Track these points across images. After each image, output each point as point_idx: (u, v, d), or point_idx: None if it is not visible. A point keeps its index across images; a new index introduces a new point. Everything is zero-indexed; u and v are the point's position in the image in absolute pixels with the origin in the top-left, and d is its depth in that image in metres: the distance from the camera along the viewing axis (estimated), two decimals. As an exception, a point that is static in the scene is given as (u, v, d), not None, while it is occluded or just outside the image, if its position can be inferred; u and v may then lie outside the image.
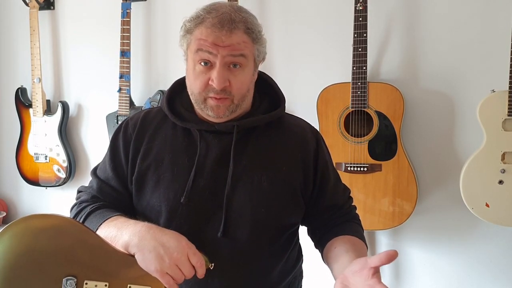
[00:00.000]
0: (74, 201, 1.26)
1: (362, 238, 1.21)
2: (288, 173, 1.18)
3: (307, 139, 1.24)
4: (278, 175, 1.17)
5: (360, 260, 0.94)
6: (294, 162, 1.20)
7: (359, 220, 1.30)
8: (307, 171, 1.21)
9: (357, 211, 1.33)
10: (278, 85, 1.28)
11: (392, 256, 0.87)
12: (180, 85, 1.25)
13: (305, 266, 1.38)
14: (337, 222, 1.25)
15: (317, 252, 1.28)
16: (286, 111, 1.32)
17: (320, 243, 1.23)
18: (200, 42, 1.09)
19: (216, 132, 1.18)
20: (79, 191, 1.29)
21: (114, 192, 1.22)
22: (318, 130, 2.04)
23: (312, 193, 1.23)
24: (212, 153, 1.16)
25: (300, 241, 1.33)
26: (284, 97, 1.27)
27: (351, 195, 1.34)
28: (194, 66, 1.12)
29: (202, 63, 1.10)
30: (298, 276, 1.32)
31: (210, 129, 1.18)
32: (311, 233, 1.30)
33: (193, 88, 1.14)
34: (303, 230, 1.33)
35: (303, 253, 1.35)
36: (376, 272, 0.90)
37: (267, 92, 1.27)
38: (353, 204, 1.33)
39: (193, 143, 1.18)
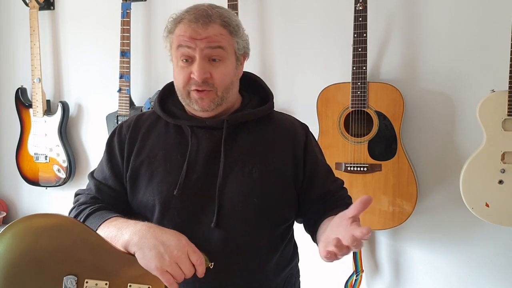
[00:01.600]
0: (72, 205, 1.27)
1: None
2: (279, 164, 1.21)
3: (296, 132, 1.27)
4: (269, 166, 1.19)
5: (338, 216, 0.99)
6: (285, 154, 1.22)
7: None
8: (297, 162, 1.23)
9: None
10: (267, 84, 1.32)
11: (367, 201, 0.93)
12: (171, 87, 1.28)
13: (302, 266, 1.38)
14: (329, 209, 1.24)
15: (314, 253, 1.27)
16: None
17: (314, 230, 1.22)
18: (179, 38, 1.14)
19: (207, 128, 1.21)
20: (76, 194, 1.30)
21: (112, 192, 1.24)
22: (318, 130, 2.06)
23: (302, 183, 1.24)
24: (203, 148, 1.19)
25: (297, 241, 1.34)
26: (272, 94, 1.30)
27: (349, 193, 1.33)
28: (177, 63, 1.16)
29: (184, 60, 1.14)
30: (295, 274, 1.33)
31: (201, 125, 1.21)
32: (306, 226, 1.29)
33: (177, 84, 1.18)
34: (298, 231, 1.33)
35: (300, 253, 1.35)
36: (354, 220, 0.95)
37: (257, 91, 1.31)
38: (349, 195, 1.33)
39: (184, 139, 1.21)
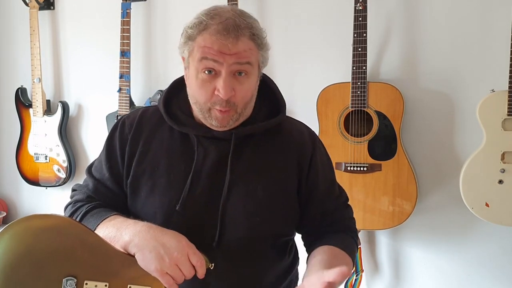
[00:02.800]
0: (69, 199, 1.24)
1: (348, 250, 1.16)
2: (284, 180, 1.16)
3: (304, 144, 1.21)
4: (275, 183, 1.15)
5: (318, 273, 0.94)
6: (290, 167, 1.17)
7: (354, 232, 1.26)
8: (301, 175, 1.18)
9: (356, 213, 1.30)
10: (280, 90, 1.24)
11: (344, 274, 0.87)
12: (178, 86, 1.21)
13: (303, 266, 1.38)
14: (328, 230, 1.21)
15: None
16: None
17: (308, 251, 1.20)
18: (205, 50, 1.04)
19: (214, 138, 1.15)
20: (73, 190, 1.27)
21: (110, 193, 1.20)
22: (318, 130, 2.06)
23: (301, 196, 1.19)
24: (209, 160, 1.14)
25: (297, 243, 1.31)
26: (285, 103, 1.23)
27: (349, 203, 1.29)
28: (197, 75, 1.07)
29: (206, 72, 1.06)
30: (294, 279, 1.31)
31: (208, 135, 1.15)
32: (303, 239, 1.27)
33: (198, 98, 1.10)
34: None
35: (300, 255, 1.33)
36: (329, 286, 0.90)
37: (267, 95, 1.23)
38: (351, 215, 1.28)
39: (190, 148, 1.15)
